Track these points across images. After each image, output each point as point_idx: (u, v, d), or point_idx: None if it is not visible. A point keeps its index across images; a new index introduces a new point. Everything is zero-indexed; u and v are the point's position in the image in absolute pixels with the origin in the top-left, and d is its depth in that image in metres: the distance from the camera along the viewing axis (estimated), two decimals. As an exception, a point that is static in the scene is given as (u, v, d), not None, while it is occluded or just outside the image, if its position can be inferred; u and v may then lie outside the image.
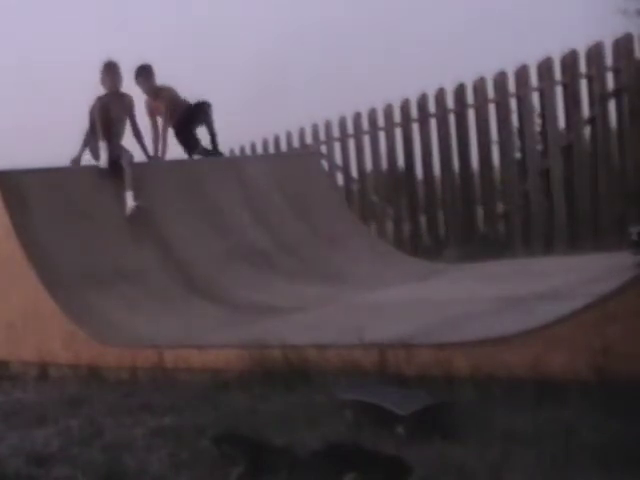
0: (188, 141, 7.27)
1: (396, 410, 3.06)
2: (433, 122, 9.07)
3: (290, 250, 6.95)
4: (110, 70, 6.52)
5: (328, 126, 10.15)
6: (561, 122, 8.38)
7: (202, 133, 7.34)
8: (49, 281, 5.30)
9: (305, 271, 6.66)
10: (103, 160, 6.36)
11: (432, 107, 9.06)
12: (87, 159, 6.58)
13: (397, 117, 9.40)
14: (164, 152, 7.15)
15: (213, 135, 7.32)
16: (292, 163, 8.41)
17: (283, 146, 10.93)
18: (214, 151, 7.37)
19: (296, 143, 10.69)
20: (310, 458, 2.78)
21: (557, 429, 2.86)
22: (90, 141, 6.54)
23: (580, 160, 8.26)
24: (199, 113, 7.24)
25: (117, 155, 6.41)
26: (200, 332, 5.06)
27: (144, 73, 7.13)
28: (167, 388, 4.26)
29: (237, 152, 11.47)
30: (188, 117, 7.19)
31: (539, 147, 8.51)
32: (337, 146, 10.06)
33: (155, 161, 7.02)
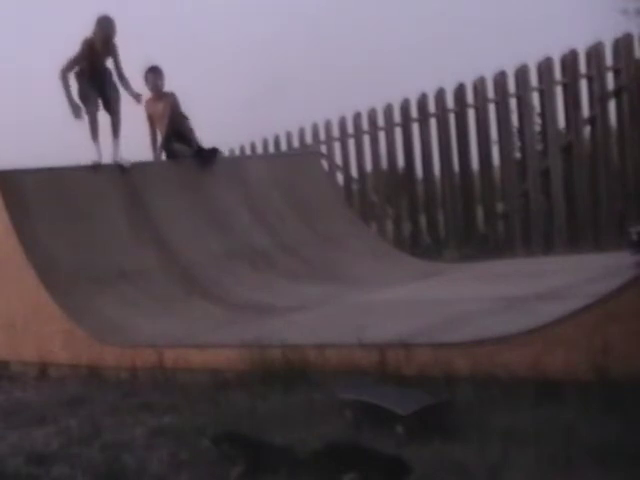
0: (171, 152, 7.25)
1: (396, 410, 3.06)
2: (433, 122, 9.08)
3: (290, 250, 6.95)
4: (103, 25, 6.49)
5: (328, 126, 10.14)
6: (561, 122, 8.38)
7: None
8: (49, 281, 5.30)
9: (305, 271, 6.66)
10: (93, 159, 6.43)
11: (432, 107, 9.07)
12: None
13: (397, 117, 9.41)
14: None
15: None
16: (292, 163, 8.41)
17: (283, 146, 10.93)
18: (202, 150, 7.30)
19: (296, 143, 10.69)
20: (310, 458, 2.79)
21: (557, 429, 2.86)
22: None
23: (580, 160, 8.26)
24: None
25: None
26: (200, 332, 5.06)
27: (154, 73, 7.14)
28: (167, 388, 4.27)
29: (237, 152, 11.47)
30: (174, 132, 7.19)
31: (539, 147, 8.51)
32: (337, 146, 10.06)
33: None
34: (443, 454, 2.78)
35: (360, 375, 3.76)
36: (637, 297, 3.27)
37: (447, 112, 8.96)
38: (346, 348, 3.99)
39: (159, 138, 7.22)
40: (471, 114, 8.81)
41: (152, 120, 7.22)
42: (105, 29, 6.50)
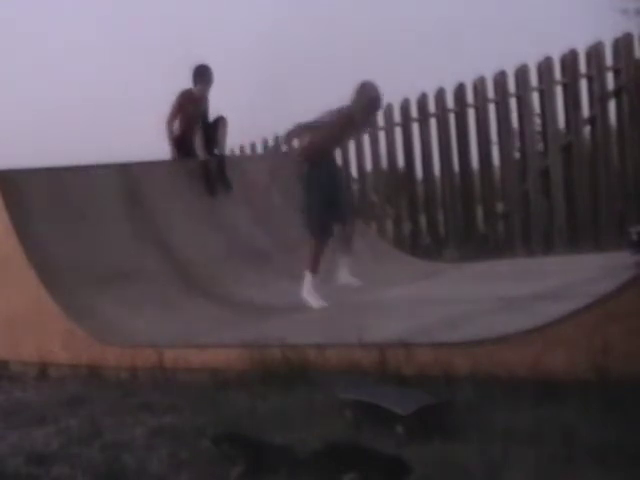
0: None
1: (396, 410, 3.06)
2: (433, 122, 9.08)
3: (290, 250, 6.95)
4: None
5: (328, 126, 10.13)
6: (561, 122, 8.38)
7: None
8: (49, 281, 5.30)
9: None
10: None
11: (432, 107, 9.07)
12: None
13: (397, 117, 9.40)
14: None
15: None
16: (292, 163, 8.40)
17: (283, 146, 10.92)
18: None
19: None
20: (310, 458, 2.78)
21: (557, 429, 2.86)
22: None
23: (580, 160, 8.26)
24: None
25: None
26: (200, 332, 5.06)
27: (207, 74, 6.98)
28: (167, 388, 4.26)
29: (237, 152, 11.46)
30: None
31: (539, 147, 8.51)
32: (337, 146, 10.05)
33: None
34: (443, 454, 2.78)
35: (360, 375, 3.76)
36: (637, 297, 3.27)
37: (447, 112, 8.96)
38: (346, 348, 3.99)
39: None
40: (471, 114, 8.81)
41: (179, 114, 7.04)
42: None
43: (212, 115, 7.29)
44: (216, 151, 7.15)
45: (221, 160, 7.14)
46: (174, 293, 5.83)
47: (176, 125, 7.08)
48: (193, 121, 7.06)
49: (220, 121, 7.20)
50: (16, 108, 17.25)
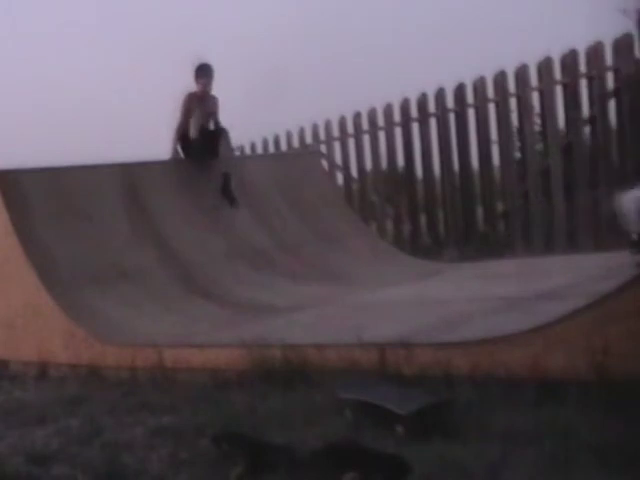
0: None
1: (396, 410, 3.06)
2: (433, 122, 9.08)
3: (290, 250, 6.95)
4: None
5: (328, 126, 10.14)
6: (561, 122, 8.38)
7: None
8: (49, 281, 5.30)
9: (305, 271, 6.66)
10: None
11: (432, 107, 9.07)
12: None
13: (397, 117, 9.40)
14: None
15: None
16: (292, 163, 8.41)
17: (283, 146, 10.93)
18: None
19: (296, 143, 10.69)
20: (310, 457, 2.79)
21: (557, 429, 2.86)
22: None
23: (580, 160, 8.26)
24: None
25: None
26: (200, 332, 5.06)
27: (207, 73, 6.94)
28: (167, 388, 4.27)
29: (237, 152, 11.46)
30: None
31: (539, 147, 8.51)
32: (337, 146, 10.06)
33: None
34: (443, 454, 2.78)
35: (360, 375, 3.76)
36: (637, 297, 3.27)
37: (447, 112, 8.96)
38: (346, 348, 3.99)
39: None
40: (471, 114, 8.81)
41: (188, 116, 6.93)
42: None
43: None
44: (222, 168, 6.99)
45: (227, 176, 7.00)
46: (174, 293, 5.83)
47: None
48: (203, 121, 6.98)
49: (221, 133, 7.01)
50: (16, 108, 17.25)
